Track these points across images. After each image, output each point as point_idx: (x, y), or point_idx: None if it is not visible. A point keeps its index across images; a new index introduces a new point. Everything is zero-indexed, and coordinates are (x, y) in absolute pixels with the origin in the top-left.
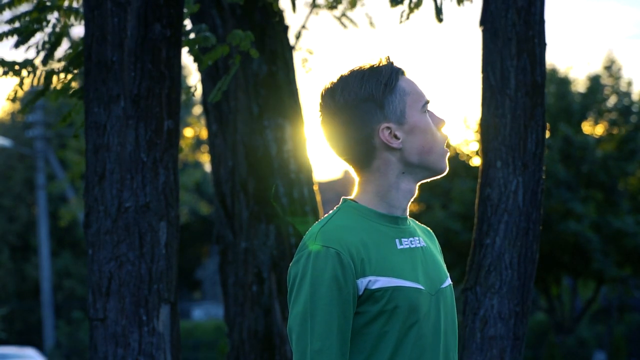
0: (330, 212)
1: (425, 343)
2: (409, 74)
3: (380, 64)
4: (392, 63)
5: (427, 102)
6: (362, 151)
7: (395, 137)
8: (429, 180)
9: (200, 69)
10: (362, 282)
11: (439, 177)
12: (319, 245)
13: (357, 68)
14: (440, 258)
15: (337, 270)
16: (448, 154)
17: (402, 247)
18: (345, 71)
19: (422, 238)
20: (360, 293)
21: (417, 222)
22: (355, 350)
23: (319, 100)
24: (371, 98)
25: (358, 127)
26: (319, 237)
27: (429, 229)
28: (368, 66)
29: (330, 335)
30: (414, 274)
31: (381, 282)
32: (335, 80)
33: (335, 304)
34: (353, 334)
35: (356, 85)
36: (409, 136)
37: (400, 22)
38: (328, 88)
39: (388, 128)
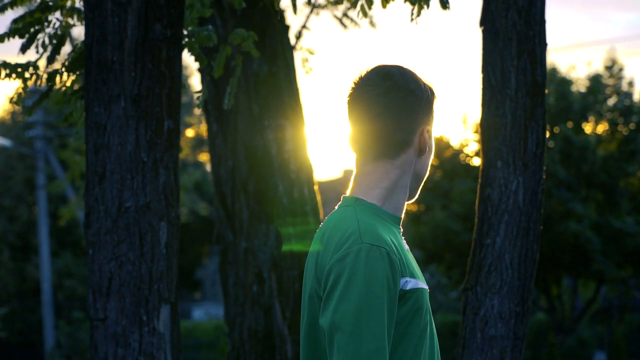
0: (343, 210)
1: (429, 343)
2: None
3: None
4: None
5: None
6: (398, 141)
7: (426, 142)
8: (405, 202)
9: (201, 68)
10: (401, 282)
11: (407, 201)
12: (368, 244)
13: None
14: None
15: (387, 269)
16: None
17: (407, 248)
18: (399, 64)
19: None
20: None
21: None
22: None
23: (365, 75)
24: (428, 100)
25: (411, 117)
26: (364, 235)
27: None
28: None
29: (384, 335)
30: (421, 275)
31: (412, 283)
32: (405, 68)
33: (386, 303)
34: None
35: (421, 83)
36: (427, 150)
37: (412, 19)
38: (399, 72)
39: (429, 132)
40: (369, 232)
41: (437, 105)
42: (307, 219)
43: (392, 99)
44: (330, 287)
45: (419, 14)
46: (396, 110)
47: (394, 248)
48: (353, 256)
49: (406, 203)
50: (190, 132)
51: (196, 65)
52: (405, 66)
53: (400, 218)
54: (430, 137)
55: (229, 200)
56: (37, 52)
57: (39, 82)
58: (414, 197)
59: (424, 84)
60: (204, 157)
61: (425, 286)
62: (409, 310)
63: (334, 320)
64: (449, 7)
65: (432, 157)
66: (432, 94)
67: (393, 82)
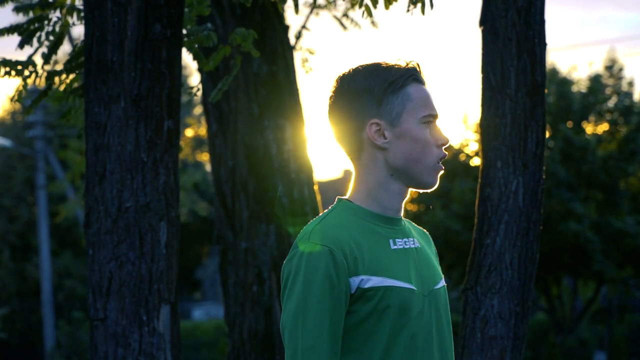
0: (325, 211)
1: (418, 343)
2: (428, 85)
3: (397, 65)
4: (409, 67)
5: (431, 115)
6: (353, 142)
7: (383, 136)
8: (418, 190)
9: (200, 67)
10: (355, 281)
11: (426, 190)
12: (313, 243)
13: (375, 62)
14: (435, 260)
15: (330, 268)
16: (440, 172)
17: (395, 247)
18: (360, 63)
19: (417, 239)
20: (353, 292)
21: (413, 223)
22: (348, 349)
23: (333, 84)
24: (371, 92)
25: (353, 116)
26: (312, 235)
27: (425, 231)
28: (385, 63)
29: (321, 333)
30: (407, 274)
31: (373, 281)
32: (352, 68)
33: (328, 301)
34: (345, 333)
35: (362, 76)
36: (397, 139)
37: (407, 10)
38: (343, 74)
39: (377, 125)
40: (319, 231)
41: (411, 91)
42: (307, 219)
43: (334, 102)
44: (283, 287)
45: (422, 10)
46: (338, 113)
47: (349, 247)
48: (298, 256)
49: (424, 191)
50: (190, 132)
51: (196, 65)
52: (361, 64)
53: (389, 217)
54: (399, 126)
55: (229, 200)
56: (37, 49)
57: (37, 80)
58: (426, 185)
59: (373, 77)
60: (204, 157)
61: (405, 285)
62: (373, 309)
63: (282, 320)
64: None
65: (416, 144)
66: (384, 83)
67: (333, 87)
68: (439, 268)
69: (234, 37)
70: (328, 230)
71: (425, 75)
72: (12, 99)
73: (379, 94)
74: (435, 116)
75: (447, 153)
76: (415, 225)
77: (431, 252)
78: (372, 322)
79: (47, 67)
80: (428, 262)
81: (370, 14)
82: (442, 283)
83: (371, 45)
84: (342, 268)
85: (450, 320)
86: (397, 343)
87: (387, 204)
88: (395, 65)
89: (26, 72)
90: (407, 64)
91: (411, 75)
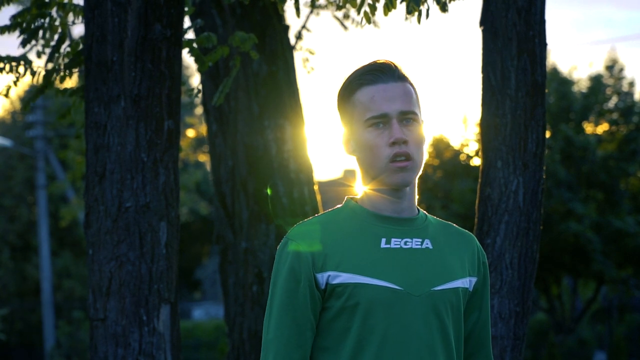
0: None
1: (397, 342)
2: (394, 81)
3: (358, 70)
4: (360, 72)
5: (374, 117)
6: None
7: (349, 145)
8: (384, 199)
9: (200, 70)
10: (323, 277)
11: (400, 188)
12: (286, 239)
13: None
14: (456, 261)
15: (294, 263)
16: (401, 169)
17: (386, 246)
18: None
19: (434, 240)
20: (323, 287)
21: (452, 224)
22: (324, 346)
23: None
24: (338, 103)
25: (340, 127)
26: (290, 232)
27: (469, 234)
28: (353, 70)
29: (282, 326)
30: (391, 273)
31: (342, 277)
32: None
33: (292, 296)
34: (321, 329)
35: (341, 86)
36: (357, 147)
37: (406, 18)
38: None
39: (344, 135)
40: (296, 229)
41: (357, 96)
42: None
43: None
44: None
45: (419, 19)
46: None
47: (321, 244)
48: (276, 253)
49: (398, 197)
50: (190, 132)
51: (196, 66)
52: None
53: (387, 217)
54: (354, 134)
55: (229, 200)
56: (32, 47)
57: (36, 78)
58: (390, 185)
59: (343, 84)
60: (204, 157)
61: (383, 283)
62: (343, 305)
63: None
64: (447, 10)
65: (365, 150)
66: (339, 94)
67: None
68: (458, 270)
69: (233, 40)
70: (305, 227)
71: (390, 71)
72: (1, 93)
73: (338, 104)
74: (382, 116)
75: (403, 149)
76: (455, 226)
77: (457, 254)
78: (345, 319)
79: (50, 66)
80: (436, 263)
81: (369, 21)
82: (451, 285)
83: (372, 45)
84: (306, 263)
85: (448, 322)
86: (370, 341)
87: (379, 205)
88: (360, 69)
89: (20, 69)
90: (361, 67)
91: (358, 81)
